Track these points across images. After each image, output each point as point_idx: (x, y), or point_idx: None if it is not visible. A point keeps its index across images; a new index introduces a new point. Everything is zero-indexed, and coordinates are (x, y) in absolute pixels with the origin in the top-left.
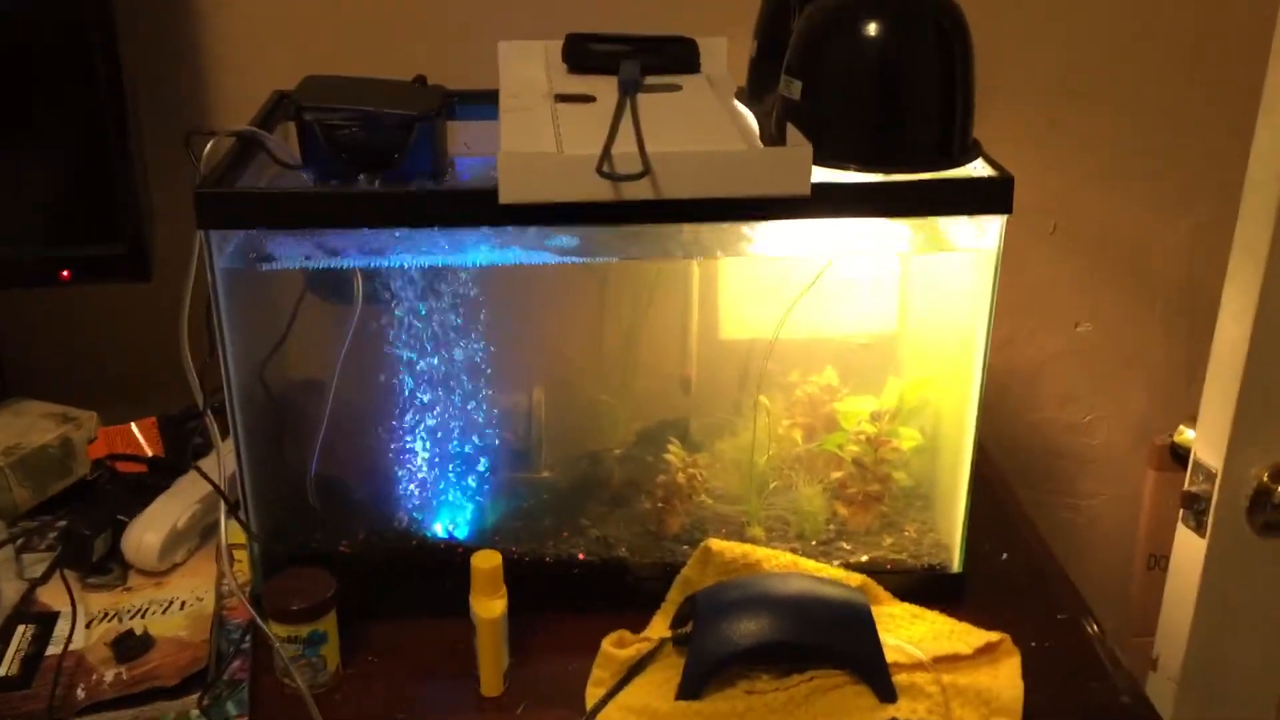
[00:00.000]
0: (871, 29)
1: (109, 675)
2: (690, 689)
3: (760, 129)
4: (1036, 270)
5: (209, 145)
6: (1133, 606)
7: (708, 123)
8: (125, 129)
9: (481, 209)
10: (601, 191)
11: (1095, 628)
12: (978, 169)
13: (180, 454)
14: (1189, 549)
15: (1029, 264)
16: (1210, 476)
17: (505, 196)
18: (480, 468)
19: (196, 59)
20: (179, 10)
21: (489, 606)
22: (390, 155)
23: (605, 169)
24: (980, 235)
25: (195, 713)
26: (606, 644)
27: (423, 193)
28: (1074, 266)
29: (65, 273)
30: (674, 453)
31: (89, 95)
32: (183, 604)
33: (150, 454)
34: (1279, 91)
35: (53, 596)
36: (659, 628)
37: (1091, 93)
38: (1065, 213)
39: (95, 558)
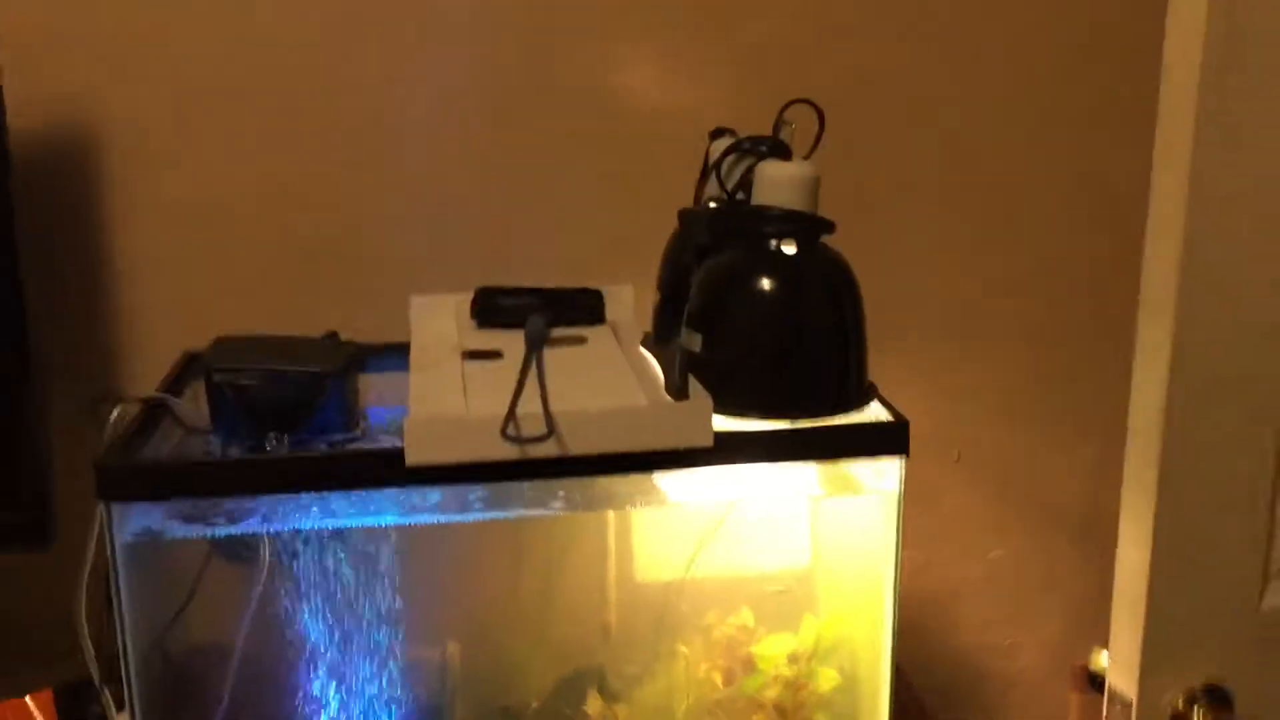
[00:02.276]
0: (765, 285)
1: None
2: None
3: (665, 377)
4: (947, 499)
5: (115, 412)
6: None
7: (611, 376)
8: (28, 399)
9: (389, 471)
10: (507, 452)
11: None
12: (875, 412)
13: None
14: None
15: (939, 492)
16: (1127, 706)
17: (412, 458)
18: None
19: (106, 322)
20: (87, 276)
21: None
22: (301, 413)
23: (510, 431)
24: (881, 477)
25: None
26: None
27: (327, 456)
28: (982, 495)
29: None
30: (592, 704)
31: None
32: None
33: None
34: (1150, 345)
35: None
36: None
37: (981, 335)
38: (969, 444)
39: None
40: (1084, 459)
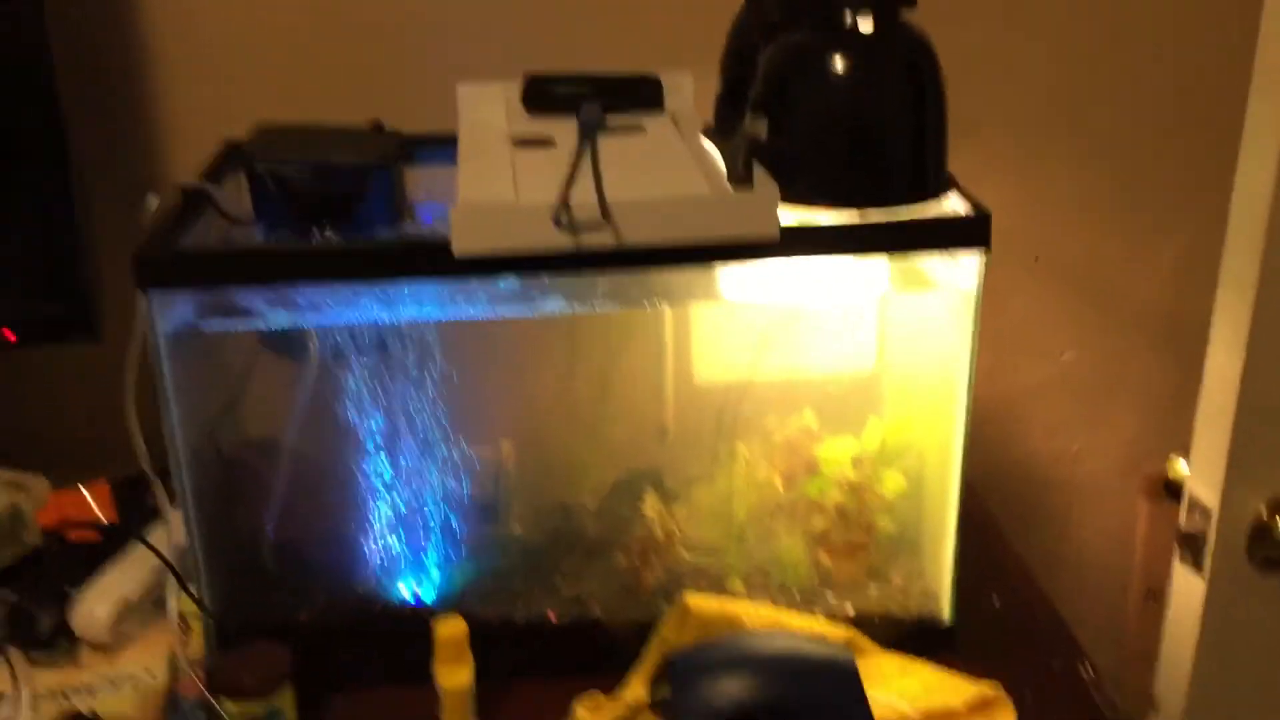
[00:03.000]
0: (839, 64)
1: None
2: None
3: (728, 168)
4: (1019, 300)
5: (155, 201)
6: (1130, 641)
7: (670, 166)
8: (70, 185)
9: (435, 261)
10: (559, 241)
11: (1091, 673)
12: (953, 204)
13: (134, 519)
14: (1187, 588)
15: (1012, 294)
16: (1206, 513)
17: (459, 249)
18: (446, 526)
19: (146, 109)
20: (127, 60)
21: (454, 676)
22: (346, 206)
23: (561, 219)
24: (958, 272)
25: None
26: (579, 708)
27: (371, 245)
28: (1057, 295)
29: (9, 333)
30: (650, 505)
31: (34, 152)
32: (134, 680)
33: (103, 519)
34: (1261, 123)
35: None
36: (635, 688)
37: (1070, 125)
38: (1047, 242)
39: (42, 633)
40: (1166, 259)
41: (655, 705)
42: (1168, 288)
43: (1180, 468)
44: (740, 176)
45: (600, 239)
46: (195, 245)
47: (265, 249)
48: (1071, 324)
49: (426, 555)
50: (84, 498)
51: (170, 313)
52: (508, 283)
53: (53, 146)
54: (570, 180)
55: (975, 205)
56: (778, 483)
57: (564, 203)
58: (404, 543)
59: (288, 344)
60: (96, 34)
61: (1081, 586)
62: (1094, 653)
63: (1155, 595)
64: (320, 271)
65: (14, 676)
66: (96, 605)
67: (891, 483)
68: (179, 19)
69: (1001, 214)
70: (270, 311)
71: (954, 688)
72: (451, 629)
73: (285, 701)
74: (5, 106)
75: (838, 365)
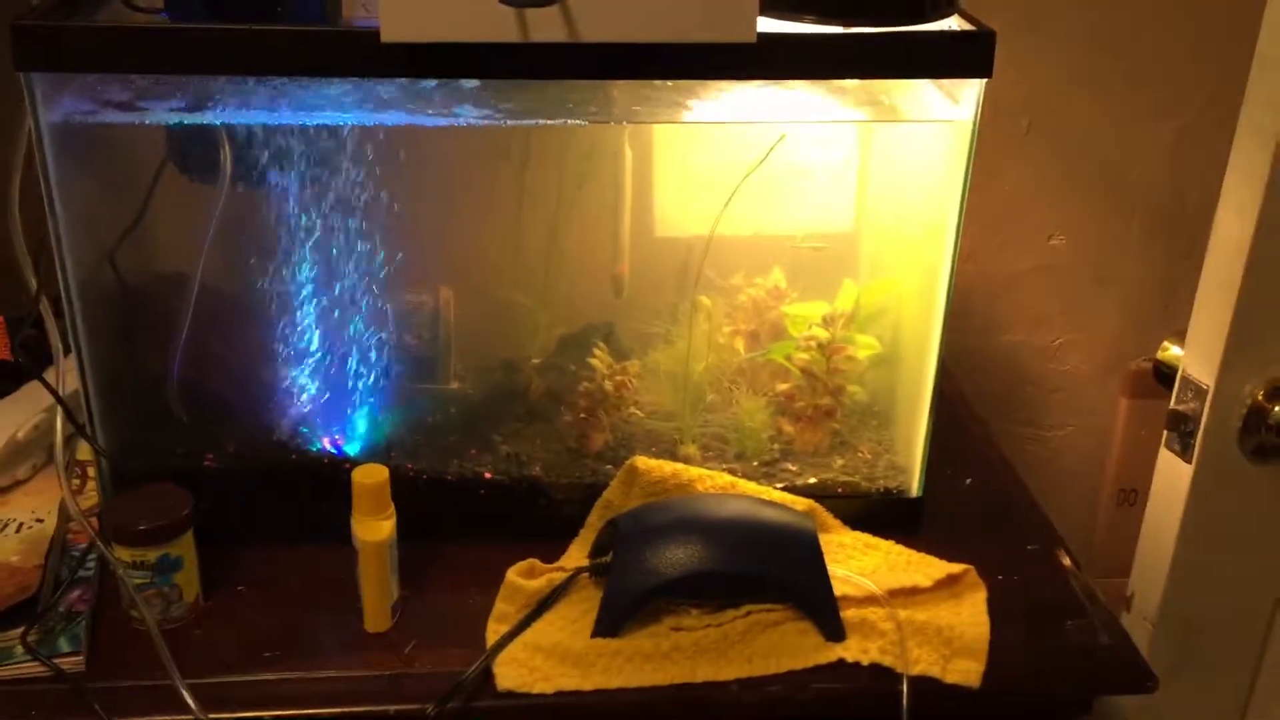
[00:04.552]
0: None
1: None
2: (608, 625)
3: None
4: (1008, 176)
5: None
6: (1100, 545)
7: None
8: None
9: (360, 54)
10: (504, 29)
11: (1069, 560)
12: (952, 27)
13: (32, 357)
14: (1172, 475)
15: (1000, 169)
16: (1200, 394)
17: (388, 34)
18: (376, 374)
19: None
20: None
21: (373, 528)
22: (270, 4)
23: None
24: (953, 106)
25: (19, 648)
26: (512, 574)
27: (284, 31)
28: (1049, 173)
29: None
30: (600, 357)
31: None
32: (20, 525)
33: None
34: None
35: None
36: (575, 556)
37: None
38: (1041, 114)
39: None
40: (1165, 135)
41: (595, 571)
42: (1165, 168)
43: (1173, 351)
44: None
45: (551, 29)
46: (85, 22)
47: (161, 29)
48: (1062, 204)
49: (351, 404)
50: None
51: (55, 102)
52: (448, 86)
53: None
54: None
55: (977, 24)
56: (739, 345)
57: None
58: (326, 389)
59: (197, 162)
60: None
61: (1052, 487)
62: None
63: (1129, 498)
64: (221, 60)
65: None
66: None
67: (864, 345)
68: None
69: (992, 81)
70: (172, 102)
71: (921, 566)
72: (372, 476)
73: (183, 550)
74: None
75: (812, 220)
